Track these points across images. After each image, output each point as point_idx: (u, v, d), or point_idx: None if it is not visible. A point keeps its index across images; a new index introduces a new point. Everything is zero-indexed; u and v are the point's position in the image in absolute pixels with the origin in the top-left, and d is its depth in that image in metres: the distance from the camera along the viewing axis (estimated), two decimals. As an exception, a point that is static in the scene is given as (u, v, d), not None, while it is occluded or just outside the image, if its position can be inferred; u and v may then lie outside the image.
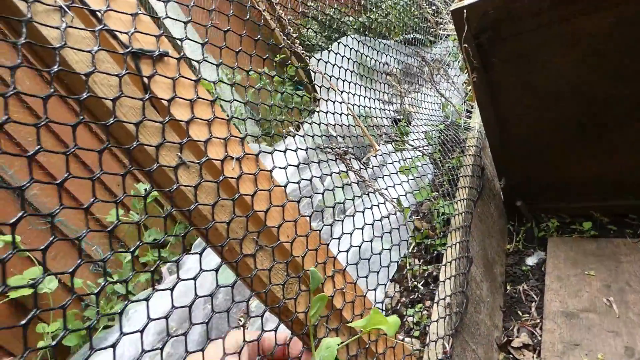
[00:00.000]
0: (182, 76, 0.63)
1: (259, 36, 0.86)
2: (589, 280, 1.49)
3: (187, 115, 0.63)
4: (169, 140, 0.60)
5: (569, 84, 1.42)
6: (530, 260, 1.70)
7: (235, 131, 0.71)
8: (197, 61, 0.69)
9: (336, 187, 0.99)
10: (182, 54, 0.63)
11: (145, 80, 0.58)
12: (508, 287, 1.62)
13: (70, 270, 0.49)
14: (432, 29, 2.84)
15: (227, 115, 0.71)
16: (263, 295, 0.72)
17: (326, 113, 1.15)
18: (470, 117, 2.08)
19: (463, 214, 1.45)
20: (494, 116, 1.63)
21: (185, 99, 0.63)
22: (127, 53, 0.56)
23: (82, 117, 0.51)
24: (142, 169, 0.59)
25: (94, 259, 2.25)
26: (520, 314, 1.50)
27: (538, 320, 1.45)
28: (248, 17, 0.83)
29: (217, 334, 1.67)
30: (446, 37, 2.71)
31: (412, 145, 1.38)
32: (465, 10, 1.42)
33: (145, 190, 2.53)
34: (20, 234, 1.93)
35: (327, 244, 0.85)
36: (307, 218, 0.82)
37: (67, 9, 0.52)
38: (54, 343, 0.46)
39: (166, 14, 0.63)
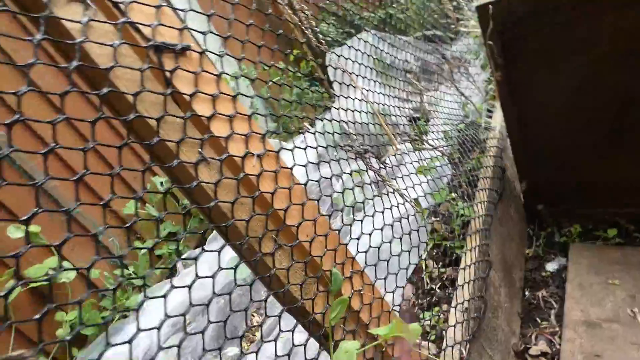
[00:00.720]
0: (205, 70, 0.62)
1: (280, 30, 0.84)
2: (613, 290, 1.44)
3: (209, 110, 0.61)
4: (190, 136, 0.59)
5: (600, 83, 1.37)
6: (551, 266, 1.65)
7: (257, 127, 0.69)
8: (219, 55, 0.68)
9: (356, 185, 0.97)
10: (204, 47, 0.62)
11: (168, 74, 0.57)
12: (527, 293, 1.58)
13: (87, 266, 0.48)
14: (453, 26, 2.78)
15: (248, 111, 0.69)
16: (281, 295, 0.71)
17: (345, 110, 1.13)
18: (491, 117, 2.04)
19: (483, 216, 1.41)
20: (517, 116, 1.58)
21: (207, 94, 0.61)
22: (150, 47, 0.55)
23: (101, 113, 0.50)
24: (163, 164, 0.58)
25: (110, 251, 2.28)
26: (539, 321, 1.46)
27: (557, 329, 1.41)
28: (269, 10, 0.81)
29: (230, 329, 1.67)
30: (467, 34, 2.64)
31: (432, 145, 1.35)
32: (491, 7, 1.37)
33: (162, 183, 2.55)
34: (40, 224, 1.96)
35: (346, 244, 0.83)
36: (327, 217, 0.80)
37: (89, 2, 0.51)
38: (68, 338, 0.46)
39: (190, 7, 0.62)
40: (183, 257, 2.33)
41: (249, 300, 0.71)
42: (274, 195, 0.69)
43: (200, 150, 0.60)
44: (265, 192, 0.68)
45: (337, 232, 0.81)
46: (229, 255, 1.87)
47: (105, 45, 0.51)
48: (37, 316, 0.42)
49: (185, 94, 0.58)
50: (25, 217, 0.41)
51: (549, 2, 1.29)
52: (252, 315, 1.82)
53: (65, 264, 2.06)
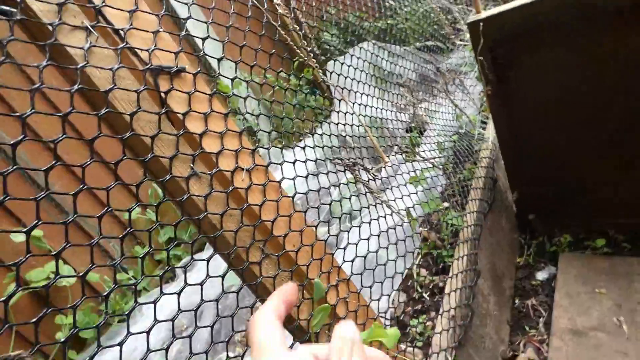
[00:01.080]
0: (198, 90, 0.66)
1: (289, 41, 0.89)
2: (600, 299, 1.47)
3: (201, 128, 0.66)
4: (183, 152, 0.63)
5: (590, 101, 1.41)
6: (541, 275, 1.68)
7: (247, 143, 0.74)
8: (218, 59, 0.72)
9: (344, 197, 1.01)
10: (198, 69, 0.67)
11: (163, 95, 0.61)
12: (517, 301, 1.61)
13: (82, 274, 0.52)
14: (450, 38, 2.83)
15: (240, 120, 0.74)
16: (267, 302, 0.75)
17: (337, 124, 1.17)
18: (484, 128, 2.08)
19: (472, 226, 1.45)
20: (508, 129, 1.62)
21: (199, 112, 0.66)
22: (147, 70, 0.60)
23: (99, 132, 0.55)
24: (156, 179, 0.62)
25: (111, 255, 2.32)
26: (528, 329, 1.49)
27: (545, 337, 1.44)
28: (264, 18, 0.86)
29: (225, 333, 1.71)
30: (463, 46, 2.69)
31: (423, 157, 1.39)
32: (481, 23, 1.42)
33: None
34: (42, 229, 2.01)
35: (332, 254, 0.87)
36: (313, 228, 0.84)
37: (92, 29, 0.56)
38: (63, 339, 0.49)
39: (189, 15, 0.66)
40: (178, 265, 2.37)
41: (237, 306, 0.75)
42: (262, 207, 0.73)
43: (191, 165, 0.64)
44: (253, 204, 0.72)
45: (323, 242, 0.85)
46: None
47: (105, 69, 0.55)
48: (34, 319, 0.47)
49: (179, 113, 0.63)
50: (25, 230, 0.46)
51: (543, 22, 1.33)
52: (247, 321, 1.85)
53: (67, 267, 2.11)
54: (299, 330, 0.78)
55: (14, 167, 0.45)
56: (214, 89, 0.71)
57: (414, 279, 1.43)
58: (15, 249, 1.89)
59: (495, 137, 1.93)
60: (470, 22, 1.47)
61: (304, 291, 0.80)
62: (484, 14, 1.44)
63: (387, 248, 1.05)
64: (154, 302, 0.54)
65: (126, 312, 0.57)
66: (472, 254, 1.35)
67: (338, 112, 1.11)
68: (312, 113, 3.08)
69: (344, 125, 1.19)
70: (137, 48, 0.60)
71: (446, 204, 1.73)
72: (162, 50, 0.62)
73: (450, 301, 1.18)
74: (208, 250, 2.32)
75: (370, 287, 0.95)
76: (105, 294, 0.51)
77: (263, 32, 0.86)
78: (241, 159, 0.71)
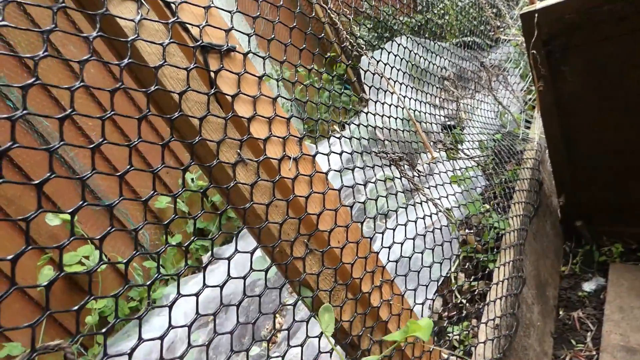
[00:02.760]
0: (247, 72, 0.62)
1: (322, 35, 0.84)
2: (656, 315, 1.35)
3: (250, 112, 0.62)
4: (230, 137, 0.59)
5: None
6: (588, 286, 1.57)
7: (294, 130, 0.69)
8: (253, 54, 0.68)
9: (390, 193, 0.95)
10: (249, 49, 0.62)
11: (212, 74, 0.57)
12: (561, 313, 1.51)
13: (125, 260, 0.49)
14: (492, 33, 2.71)
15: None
16: (310, 300, 0.70)
17: (379, 115, 1.11)
18: (529, 128, 1.96)
19: (517, 230, 1.36)
20: (559, 129, 1.52)
21: (248, 96, 0.62)
22: (197, 47, 0.56)
23: (148, 110, 0.51)
24: (202, 164, 0.58)
25: (141, 243, 2.34)
26: (574, 343, 1.39)
27: (594, 352, 1.34)
28: (299, 11, 0.81)
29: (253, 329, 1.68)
30: (507, 42, 2.57)
31: (467, 155, 1.31)
32: (536, 15, 1.32)
33: (192, 180, 2.61)
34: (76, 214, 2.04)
35: (377, 253, 0.82)
36: (359, 224, 0.79)
37: (143, 1, 0.52)
38: (103, 330, 0.46)
39: (236, 9, 0.62)
40: (207, 253, 2.37)
41: (270, 300, 0.70)
42: (308, 199, 0.68)
43: (239, 151, 0.60)
44: (299, 195, 0.67)
45: (368, 239, 0.80)
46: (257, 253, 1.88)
47: (155, 43, 0.52)
48: (76, 307, 0.43)
49: (228, 95, 0.59)
50: (71, 210, 0.42)
51: (605, 12, 1.23)
52: (275, 316, 1.82)
53: (98, 253, 2.14)
54: (341, 332, 0.73)
55: (61, 142, 0.41)
56: (264, 72, 0.66)
57: (452, 284, 1.35)
58: (49, 232, 1.93)
59: (541, 137, 1.82)
60: (523, 13, 1.37)
61: (347, 291, 0.75)
62: (539, 5, 1.35)
63: (433, 249, 0.98)
64: (170, 306, 0.50)
65: (132, 318, 0.54)
66: (517, 259, 1.27)
67: (376, 102, 1.05)
68: (343, 110, 3.02)
69: (388, 117, 1.13)
70: (188, 23, 0.56)
71: (487, 206, 1.64)
72: (212, 27, 0.58)
73: (495, 309, 1.10)
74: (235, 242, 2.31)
75: (415, 290, 0.89)
76: (149, 282, 0.47)
77: (294, 23, 0.79)
78: (288, 147, 0.67)
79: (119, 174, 0.47)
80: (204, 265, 0.54)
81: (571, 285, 1.60)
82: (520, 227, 1.38)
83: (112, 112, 0.47)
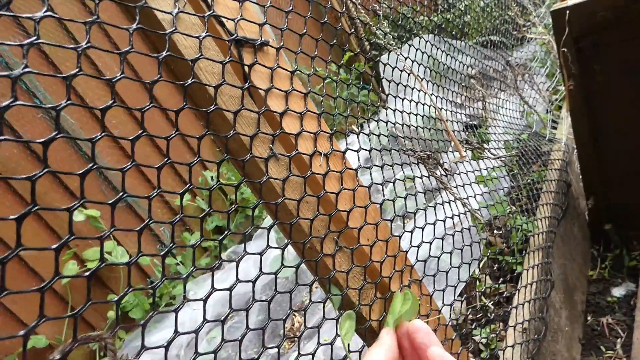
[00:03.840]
0: (280, 66, 0.61)
1: (339, 26, 0.83)
2: (691, 323, 1.30)
3: (282, 106, 0.61)
4: (263, 131, 0.59)
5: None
6: (617, 291, 1.52)
7: (325, 126, 0.68)
8: (285, 48, 0.67)
9: (418, 192, 0.94)
10: (281, 43, 0.62)
11: (246, 68, 0.57)
12: (589, 318, 1.47)
13: (163, 253, 0.49)
14: (516, 32, 2.66)
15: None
16: (338, 298, 0.70)
17: (400, 111, 1.09)
18: (555, 128, 1.91)
19: (545, 233, 1.32)
20: (588, 129, 1.47)
21: (281, 90, 0.61)
22: (232, 40, 0.55)
23: (184, 104, 0.51)
24: (236, 158, 0.58)
25: (161, 240, 2.37)
26: (603, 349, 1.35)
27: (624, 359, 1.30)
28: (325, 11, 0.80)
29: (272, 327, 1.68)
30: (533, 40, 2.51)
31: (494, 155, 1.28)
32: (568, 11, 1.29)
33: (212, 178, 2.63)
34: (99, 209, 2.08)
35: (406, 252, 0.80)
36: (388, 222, 0.78)
37: (180, -6, 0.52)
38: (142, 322, 0.46)
39: (270, 3, 0.62)
40: (227, 250, 2.39)
41: (290, 298, 0.69)
42: (339, 195, 0.68)
43: (271, 145, 0.60)
44: (330, 192, 0.66)
45: (397, 237, 0.79)
46: (273, 253, 1.88)
47: (192, 37, 0.52)
48: (116, 299, 0.44)
49: (261, 89, 0.58)
50: (113, 201, 0.42)
51: (632, 10, 1.19)
52: (294, 315, 1.82)
53: (120, 249, 2.18)
54: (370, 332, 0.72)
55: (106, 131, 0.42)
56: (296, 67, 0.66)
57: (476, 287, 1.33)
58: (74, 227, 1.97)
59: (569, 138, 1.78)
60: (554, 10, 1.34)
61: (376, 290, 0.74)
62: (571, 1, 1.31)
63: (461, 250, 0.96)
64: (175, 311, 0.49)
65: (138, 324, 0.53)
66: (545, 262, 1.23)
67: (402, 99, 1.03)
68: (362, 109, 3.01)
69: (407, 114, 1.11)
70: (223, 17, 0.56)
71: (512, 208, 1.60)
72: (246, 20, 0.58)
73: (523, 313, 1.07)
74: (255, 241, 2.32)
75: (443, 290, 0.87)
76: (185, 276, 0.47)
77: (310, 13, 0.75)
78: (319, 143, 0.66)
79: (157, 165, 0.47)
80: (236, 260, 0.54)
81: (599, 290, 1.55)
82: (548, 229, 1.34)
83: (151, 105, 0.47)
